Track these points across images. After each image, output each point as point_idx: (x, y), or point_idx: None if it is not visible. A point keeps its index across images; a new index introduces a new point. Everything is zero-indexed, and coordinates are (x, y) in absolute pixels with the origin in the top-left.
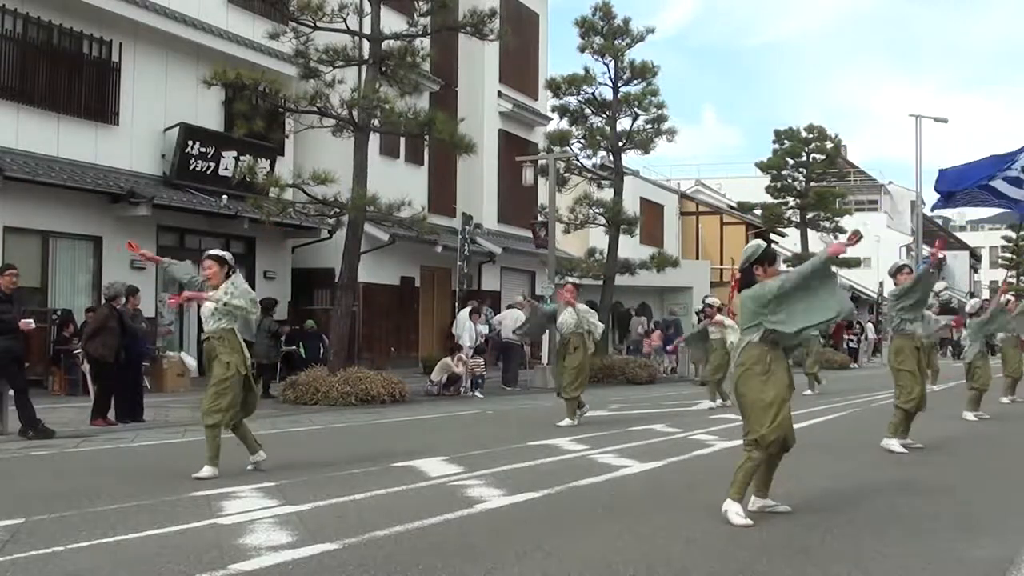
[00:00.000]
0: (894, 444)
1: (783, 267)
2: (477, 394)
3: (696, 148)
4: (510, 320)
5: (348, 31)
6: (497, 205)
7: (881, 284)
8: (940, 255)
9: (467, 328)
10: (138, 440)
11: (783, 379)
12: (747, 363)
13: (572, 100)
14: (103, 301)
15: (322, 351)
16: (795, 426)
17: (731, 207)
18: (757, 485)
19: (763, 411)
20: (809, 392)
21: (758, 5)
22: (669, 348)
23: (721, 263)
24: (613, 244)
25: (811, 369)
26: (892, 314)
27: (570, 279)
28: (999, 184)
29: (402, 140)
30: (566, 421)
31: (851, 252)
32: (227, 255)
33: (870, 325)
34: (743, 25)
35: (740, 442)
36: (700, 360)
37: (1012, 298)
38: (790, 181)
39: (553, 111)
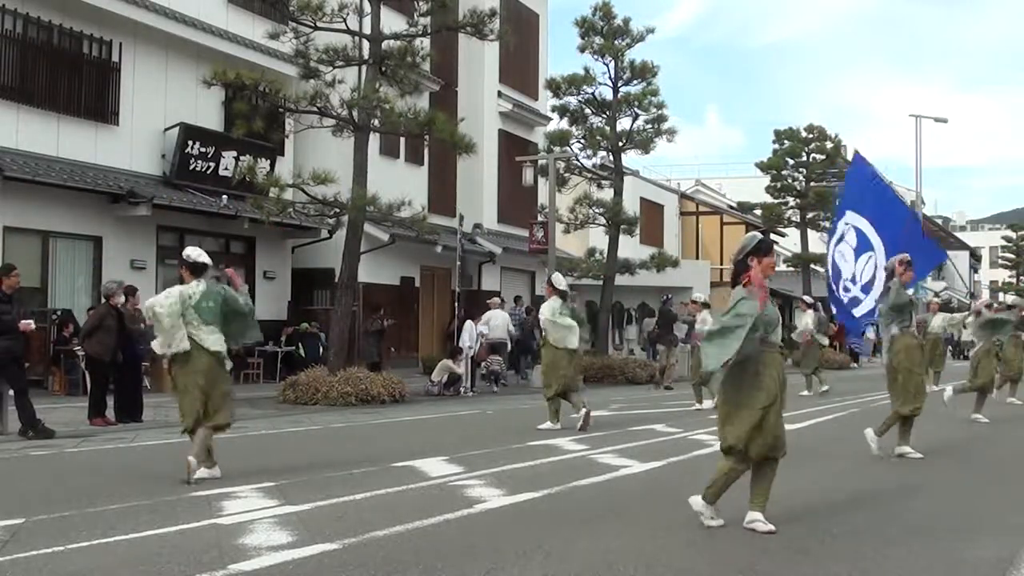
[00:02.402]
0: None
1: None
2: (495, 388)
3: (698, 148)
4: (499, 320)
5: (348, 31)
6: (497, 205)
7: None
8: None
9: (467, 328)
10: (138, 440)
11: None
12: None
13: (572, 100)
14: (102, 300)
15: (321, 351)
16: (794, 427)
17: (731, 207)
18: (749, 495)
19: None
20: (806, 393)
21: (760, 6)
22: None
23: (721, 263)
24: (613, 244)
25: (806, 369)
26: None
27: (557, 276)
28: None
29: (402, 140)
30: (546, 424)
31: None
32: (200, 259)
33: (869, 325)
34: (745, 26)
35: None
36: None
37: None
38: (790, 181)
39: (553, 111)
